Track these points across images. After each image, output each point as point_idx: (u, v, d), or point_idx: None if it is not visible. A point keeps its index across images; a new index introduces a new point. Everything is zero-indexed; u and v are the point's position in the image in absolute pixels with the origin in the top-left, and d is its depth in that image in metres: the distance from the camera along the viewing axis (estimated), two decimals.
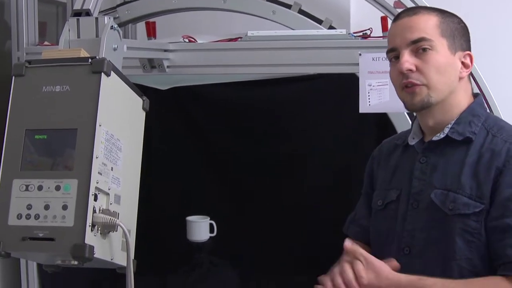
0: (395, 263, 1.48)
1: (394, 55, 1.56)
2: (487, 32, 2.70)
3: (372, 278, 1.44)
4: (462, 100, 1.57)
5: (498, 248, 1.43)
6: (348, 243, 1.51)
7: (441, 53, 1.52)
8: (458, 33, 1.55)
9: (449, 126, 1.55)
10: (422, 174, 1.57)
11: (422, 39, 1.51)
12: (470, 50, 1.58)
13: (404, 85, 1.53)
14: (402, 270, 1.50)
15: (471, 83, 1.62)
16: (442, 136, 1.55)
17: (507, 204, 1.43)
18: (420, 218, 1.54)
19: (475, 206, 1.46)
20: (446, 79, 1.52)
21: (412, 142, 1.63)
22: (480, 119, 1.55)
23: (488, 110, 1.63)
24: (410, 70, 1.51)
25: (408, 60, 1.51)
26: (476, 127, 1.54)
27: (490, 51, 2.65)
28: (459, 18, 1.59)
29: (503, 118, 2.04)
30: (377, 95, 2.14)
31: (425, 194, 1.54)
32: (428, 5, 2.02)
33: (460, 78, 1.55)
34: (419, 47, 1.51)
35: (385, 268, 1.45)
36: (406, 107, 1.58)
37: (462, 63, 1.55)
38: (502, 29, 2.81)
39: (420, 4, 2.29)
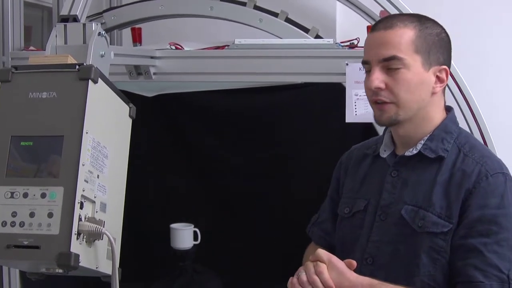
0: (353, 262, 1.48)
1: (367, 67, 1.55)
2: (472, 37, 2.71)
3: (334, 277, 1.44)
4: (434, 115, 1.56)
5: (460, 266, 1.45)
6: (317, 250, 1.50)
7: (413, 71, 1.49)
8: (435, 47, 1.52)
9: (422, 142, 1.55)
10: (392, 187, 1.58)
11: (394, 58, 1.48)
12: (448, 63, 1.56)
13: (374, 101, 1.53)
14: None
15: (444, 97, 1.60)
16: (414, 152, 1.55)
17: (474, 225, 1.45)
18: (387, 231, 1.56)
19: (443, 226, 1.48)
20: (416, 97, 1.51)
21: (383, 154, 1.63)
22: (453, 136, 1.55)
23: (459, 125, 1.63)
24: (379, 88, 1.50)
25: (378, 78, 1.50)
26: (449, 144, 1.54)
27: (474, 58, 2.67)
28: (440, 29, 1.55)
29: (487, 125, 2.07)
30: (363, 105, 2.14)
31: (394, 208, 1.55)
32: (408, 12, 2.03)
33: (433, 93, 1.54)
34: (391, 65, 1.49)
35: (347, 270, 1.46)
36: (375, 120, 1.57)
37: (437, 77, 1.53)
38: (487, 34, 2.81)
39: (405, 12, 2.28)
